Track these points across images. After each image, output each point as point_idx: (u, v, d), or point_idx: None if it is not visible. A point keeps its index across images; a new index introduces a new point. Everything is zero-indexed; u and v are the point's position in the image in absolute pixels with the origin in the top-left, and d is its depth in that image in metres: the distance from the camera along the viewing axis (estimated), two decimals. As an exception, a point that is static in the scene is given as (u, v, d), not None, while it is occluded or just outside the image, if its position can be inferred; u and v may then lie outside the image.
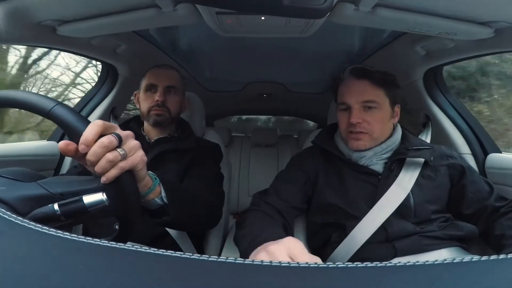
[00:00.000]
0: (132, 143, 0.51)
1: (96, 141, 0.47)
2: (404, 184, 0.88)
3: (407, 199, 0.87)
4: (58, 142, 1.38)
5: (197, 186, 0.93)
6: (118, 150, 0.48)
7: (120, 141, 0.49)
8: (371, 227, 0.84)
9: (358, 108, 0.91)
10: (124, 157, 0.49)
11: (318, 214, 0.96)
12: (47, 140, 1.39)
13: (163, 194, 0.65)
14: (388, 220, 0.84)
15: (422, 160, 0.91)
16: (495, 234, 0.83)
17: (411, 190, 0.88)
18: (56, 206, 0.45)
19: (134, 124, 1.13)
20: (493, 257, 0.31)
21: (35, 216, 0.44)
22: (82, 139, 0.46)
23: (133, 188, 0.52)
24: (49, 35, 0.97)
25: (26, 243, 0.33)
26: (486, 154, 1.24)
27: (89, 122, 0.48)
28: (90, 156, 0.47)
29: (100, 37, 1.15)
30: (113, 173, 0.48)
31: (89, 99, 1.49)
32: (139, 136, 1.07)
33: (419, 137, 1.28)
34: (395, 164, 0.92)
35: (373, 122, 0.91)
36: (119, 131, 0.50)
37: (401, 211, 0.86)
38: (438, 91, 1.37)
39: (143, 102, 1.09)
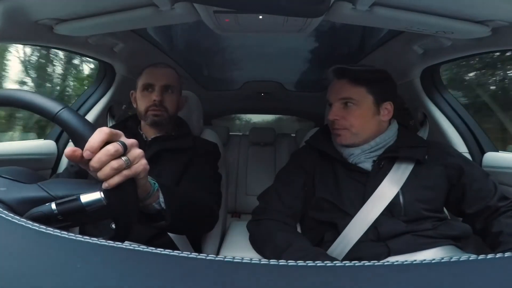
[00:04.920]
0: (136, 151, 0.52)
1: (101, 148, 0.47)
2: (394, 182, 0.88)
3: (396, 197, 0.87)
4: (55, 141, 1.38)
5: (194, 188, 0.93)
6: (123, 158, 0.49)
7: (125, 149, 0.49)
8: (362, 225, 0.85)
9: (338, 105, 0.95)
10: (128, 166, 0.49)
11: (312, 209, 0.96)
12: (45, 139, 1.39)
13: (161, 199, 0.65)
14: (378, 219, 0.85)
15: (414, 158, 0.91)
16: (493, 232, 0.83)
17: (402, 189, 0.87)
18: (53, 205, 0.45)
19: (131, 123, 1.12)
20: (489, 255, 0.31)
21: (32, 215, 0.44)
22: (87, 145, 0.46)
23: (133, 194, 0.53)
24: (46, 34, 0.97)
25: (23, 242, 0.33)
26: (483, 152, 1.24)
27: (95, 128, 0.48)
28: (94, 162, 0.47)
29: (97, 36, 1.14)
30: (116, 180, 0.48)
31: (86, 98, 1.48)
32: (136, 135, 1.07)
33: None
34: (384, 162, 0.92)
35: (350, 118, 0.93)
36: (123, 139, 0.51)
37: (391, 209, 0.86)
38: (435, 89, 1.37)
39: (140, 102, 1.08)
